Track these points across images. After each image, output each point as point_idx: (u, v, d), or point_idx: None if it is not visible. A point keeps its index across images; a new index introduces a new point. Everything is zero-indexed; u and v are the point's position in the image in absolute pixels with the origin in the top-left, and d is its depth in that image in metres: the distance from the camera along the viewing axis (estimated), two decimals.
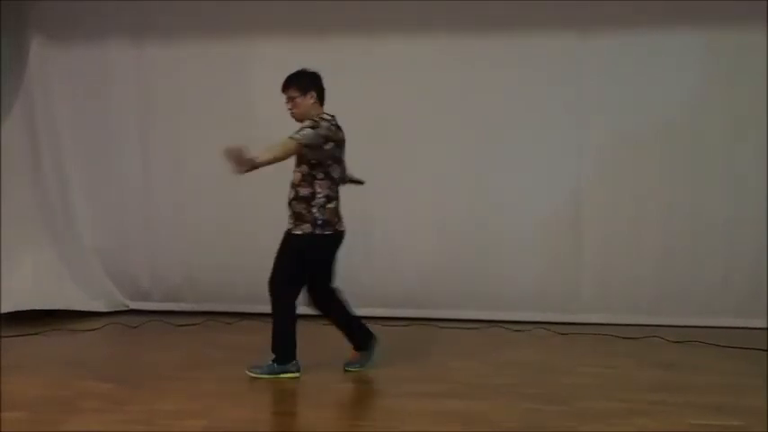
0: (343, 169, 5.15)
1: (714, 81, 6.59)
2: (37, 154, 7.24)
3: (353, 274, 7.00)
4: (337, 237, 5.03)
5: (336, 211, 5.02)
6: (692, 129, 6.62)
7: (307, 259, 4.97)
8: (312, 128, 4.85)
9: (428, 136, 6.91)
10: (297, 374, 4.96)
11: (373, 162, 6.94)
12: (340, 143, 5.01)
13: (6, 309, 6.71)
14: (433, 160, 6.91)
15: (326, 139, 4.89)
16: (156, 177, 7.32)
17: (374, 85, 6.82)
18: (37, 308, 6.83)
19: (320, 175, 4.93)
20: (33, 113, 7.24)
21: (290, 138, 4.81)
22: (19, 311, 6.73)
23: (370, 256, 6.95)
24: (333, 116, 5.04)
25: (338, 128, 5.02)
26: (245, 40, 7.08)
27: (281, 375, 4.93)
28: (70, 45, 7.29)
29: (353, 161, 7.27)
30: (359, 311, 7.04)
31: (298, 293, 5.03)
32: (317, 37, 6.90)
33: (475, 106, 6.84)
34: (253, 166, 4.69)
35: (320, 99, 5.11)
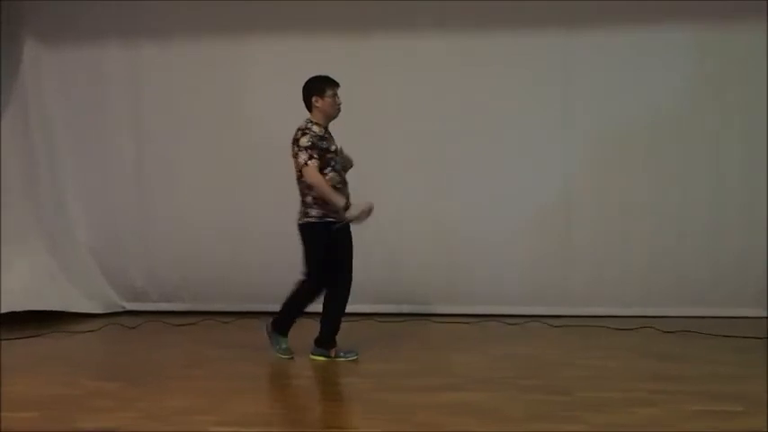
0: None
1: (701, 79, 6.72)
2: (31, 156, 7.26)
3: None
4: None
5: None
6: (678, 125, 6.75)
7: None
8: None
9: (419, 134, 6.99)
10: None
11: (366, 159, 7.04)
12: None
13: (2, 310, 6.70)
14: (426, 157, 6.99)
15: None
16: (152, 178, 7.36)
17: (365, 85, 6.89)
18: (33, 309, 6.84)
19: None
20: (27, 115, 7.25)
21: None
22: (13, 313, 6.74)
23: (363, 252, 7.02)
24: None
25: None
26: (239, 40, 7.14)
27: None
28: (64, 47, 7.31)
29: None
30: (352, 308, 7.20)
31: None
32: (309, 37, 6.96)
33: (464, 104, 6.93)
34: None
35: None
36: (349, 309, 7.04)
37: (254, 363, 5.38)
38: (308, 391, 4.77)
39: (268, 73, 7.07)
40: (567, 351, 5.71)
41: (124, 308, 7.48)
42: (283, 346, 5.43)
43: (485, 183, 6.96)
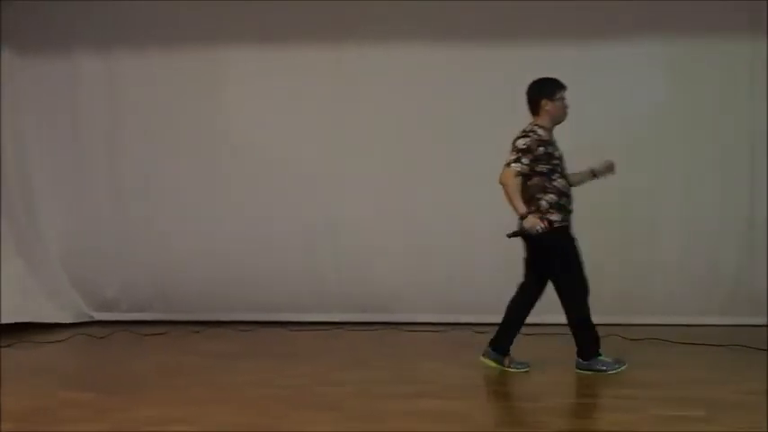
0: None
1: (678, 91, 6.87)
2: (3, 165, 7.20)
3: (322, 279, 7.18)
4: None
5: None
6: (652, 138, 6.88)
7: None
8: None
9: (399, 143, 7.05)
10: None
11: (348, 167, 7.09)
12: None
13: None
14: (402, 166, 7.05)
15: None
16: (125, 188, 7.35)
17: (346, 92, 6.96)
18: (2, 322, 6.80)
19: None
20: None
21: None
22: None
23: (338, 263, 7.08)
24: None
25: None
26: (216, 49, 7.14)
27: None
28: (38, 56, 7.28)
29: (322, 165, 7.38)
30: (327, 317, 7.21)
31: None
32: (288, 46, 6.98)
33: (445, 113, 7.00)
34: None
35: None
36: (321, 318, 7.15)
37: (228, 371, 5.41)
38: (284, 400, 4.78)
39: (247, 85, 7.06)
40: (535, 358, 5.80)
41: (92, 317, 7.45)
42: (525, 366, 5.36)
43: (460, 192, 6.99)
